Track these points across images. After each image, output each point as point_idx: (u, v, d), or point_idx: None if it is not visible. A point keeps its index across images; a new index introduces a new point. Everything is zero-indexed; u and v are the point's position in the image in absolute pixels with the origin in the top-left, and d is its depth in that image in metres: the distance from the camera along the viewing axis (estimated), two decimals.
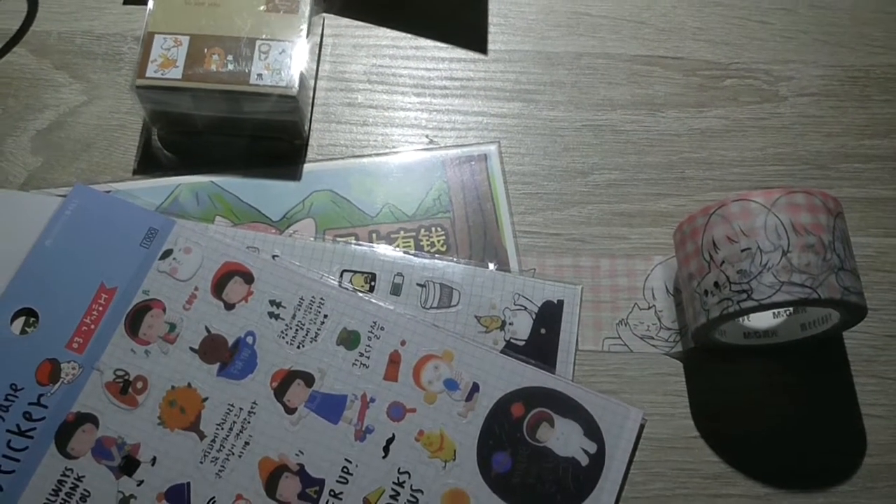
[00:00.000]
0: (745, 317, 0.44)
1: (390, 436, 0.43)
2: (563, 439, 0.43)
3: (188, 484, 0.41)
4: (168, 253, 0.46)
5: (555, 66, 0.54)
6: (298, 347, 0.44)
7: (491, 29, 0.55)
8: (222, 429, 0.42)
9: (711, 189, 0.51)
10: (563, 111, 0.53)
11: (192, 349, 0.44)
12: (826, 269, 0.39)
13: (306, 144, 0.51)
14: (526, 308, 0.46)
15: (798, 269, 0.38)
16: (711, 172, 0.51)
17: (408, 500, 0.41)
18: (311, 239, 0.47)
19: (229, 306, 0.45)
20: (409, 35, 0.55)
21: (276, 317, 0.45)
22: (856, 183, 0.52)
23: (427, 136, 0.51)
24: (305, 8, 0.49)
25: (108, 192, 0.48)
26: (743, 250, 0.40)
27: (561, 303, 0.46)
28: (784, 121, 0.53)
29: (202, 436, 0.42)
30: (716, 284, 0.40)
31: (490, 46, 0.55)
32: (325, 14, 0.55)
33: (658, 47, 0.55)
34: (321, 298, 0.45)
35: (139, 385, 0.43)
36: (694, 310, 0.42)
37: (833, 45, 0.56)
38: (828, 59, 0.56)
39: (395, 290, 0.46)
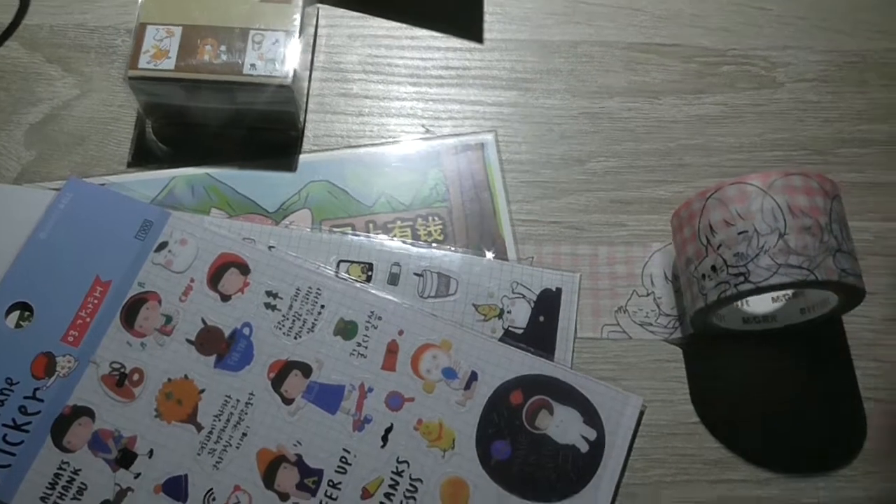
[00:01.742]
0: (744, 302, 0.44)
1: (389, 425, 0.42)
2: (563, 426, 0.42)
3: (186, 476, 0.41)
4: (163, 245, 0.46)
5: (551, 54, 0.54)
6: (295, 338, 0.44)
7: (487, 18, 0.55)
8: (219, 420, 0.42)
9: (709, 175, 0.50)
10: (560, 99, 0.52)
11: (188, 341, 0.44)
12: (823, 251, 0.38)
13: (302, 135, 0.50)
14: (524, 296, 0.45)
15: (795, 251, 0.38)
16: (709, 159, 0.51)
17: (407, 490, 0.41)
18: (308, 230, 0.47)
19: (225, 298, 0.45)
20: (405, 25, 0.55)
21: (273, 308, 0.45)
22: (854, 168, 0.51)
23: (423, 126, 0.51)
24: None
25: (102, 184, 0.48)
26: (740, 233, 0.39)
27: (559, 291, 0.46)
28: (782, 106, 0.53)
29: (199, 427, 0.42)
30: (713, 268, 0.40)
31: (486, 35, 0.54)
32: (319, 4, 0.54)
33: (655, 35, 0.55)
34: (318, 289, 0.45)
35: (135, 377, 0.43)
36: (692, 294, 0.42)
37: (830, 30, 0.56)
38: (825, 45, 0.55)
39: (393, 279, 0.46)
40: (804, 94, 0.54)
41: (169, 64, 0.46)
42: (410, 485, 0.41)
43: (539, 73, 0.53)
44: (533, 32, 0.55)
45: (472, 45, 0.54)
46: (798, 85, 0.54)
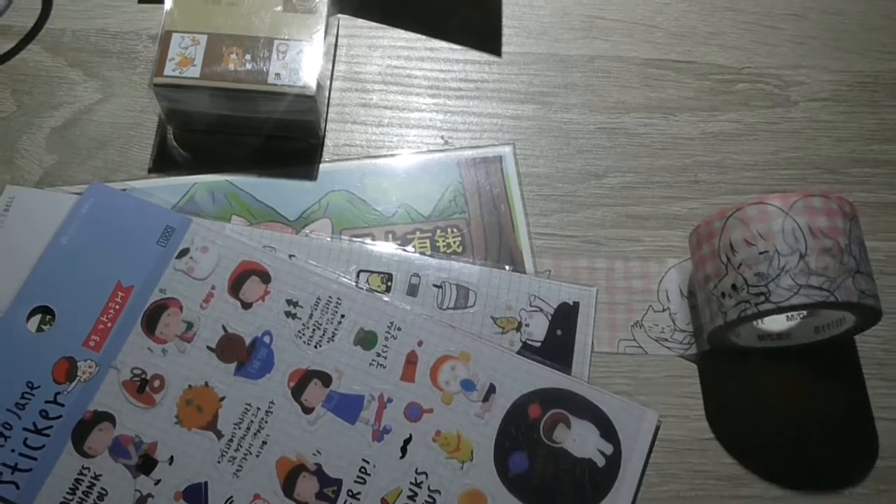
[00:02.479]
0: (761, 319, 0.45)
1: (407, 436, 0.43)
2: (580, 440, 0.43)
3: (206, 483, 0.41)
4: (185, 252, 0.46)
5: (568, 68, 0.54)
6: (315, 347, 0.44)
7: (505, 31, 0.56)
8: (240, 428, 0.42)
9: (724, 192, 0.51)
10: (577, 114, 0.53)
11: (209, 348, 0.44)
12: (843, 273, 0.39)
13: (322, 144, 0.51)
14: (542, 309, 0.46)
15: (816, 272, 0.39)
16: (724, 176, 0.51)
17: (425, 501, 0.41)
18: (328, 239, 0.48)
19: (246, 305, 0.45)
20: (424, 36, 0.55)
21: (293, 316, 0.45)
22: (866, 187, 0.52)
23: (442, 137, 0.52)
24: (323, 8, 0.49)
25: (123, 190, 0.48)
26: (761, 253, 0.40)
27: (576, 304, 0.46)
28: (795, 125, 0.54)
29: (220, 435, 0.42)
30: (733, 287, 0.41)
31: (504, 48, 0.55)
32: (339, 14, 0.55)
33: (670, 51, 0.56)
34: (338, 298, 0.45)
35: (156, 384, 0.43)
36: (711, 312, 0.42)
37: (843, 50, 0.57)
38: (838, 65, 0.56)
39: (412, 290, 0.46)
40: (817, 113, 0.54)
41: (194, 72, 0.46)
42: (429, 496, 0.41)
43: (556, 88, 0.54)
44: (550, 46, 0.55)
45: (491, 57, 0.55)
46: (811, 104, 0.55)
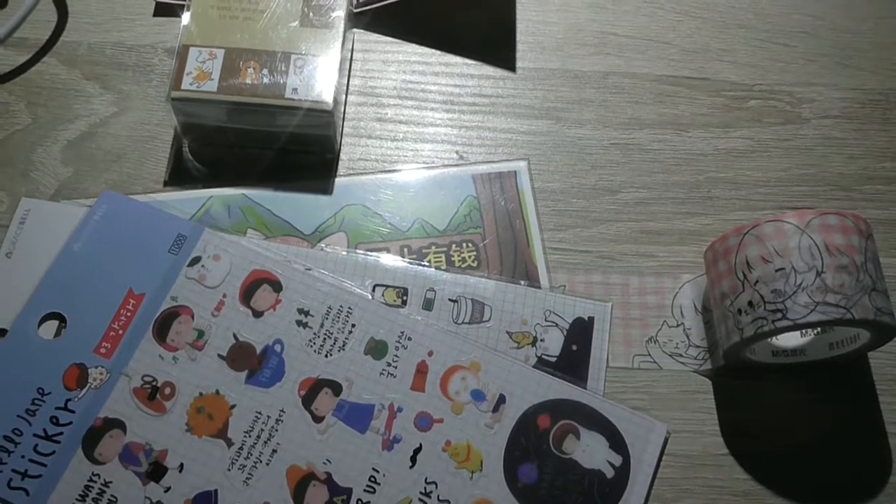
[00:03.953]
0: (776, 336, 0.45)
1: (417, 445, 0.43)
2: (589, 451, 0.43)
3: (216, 491, 0.41)
4: (197, 260, 0.46)
5: (582, 84, 0.55)
6: (326, 356, 0.44)
7: (519, 47, 0.56)
8: (250, 436, 0.42)
9: (738, 209, 0.51)
10: (591, 129, 0.53)
11: (220, 356, 0.44)
12: (859, 290, 0.39)
13: (337, 158, 0.51)
14: (557, 324, 0.46)
15: (832, 289, 0.39)
16: (738, 192, 0.51)
17: None
18: (344, 253, 0.48)
19: (257, 314, 0.45)
20: (438, 51, 0.55)
21: (304, 325, 0.45)
22: (878, 204, 0.52)
23: (457, 153, 0.52)
24: (340, 23, 0.49)
25: None
26: (777, 270, 0.40)
27: (591, 320, 0.46)
28: (807, 142, 0.54)
29: (230, 443, 0.42)
30: (750, 303, 0.40)
31: (518, 64, 0.55)
32: (354, 29, 0.55)
33: (683, 68, 0.56)
34: (349, 308, 0.45)
35: (167, 391, 0.43)
36: (727, 328, 0.42)
37: (853, 68, 0.57)
38: (849, 83, 0.56)
39: (428, 304, 0.46)
40: (829, 130, 0.54)
41: (211, 86, 0.47)
42: None
43: (570, 103, 0.54)
44: (564, 62, 0.56)
45: (505, 73, 0.55)
46: (823, 121, 0.55)
